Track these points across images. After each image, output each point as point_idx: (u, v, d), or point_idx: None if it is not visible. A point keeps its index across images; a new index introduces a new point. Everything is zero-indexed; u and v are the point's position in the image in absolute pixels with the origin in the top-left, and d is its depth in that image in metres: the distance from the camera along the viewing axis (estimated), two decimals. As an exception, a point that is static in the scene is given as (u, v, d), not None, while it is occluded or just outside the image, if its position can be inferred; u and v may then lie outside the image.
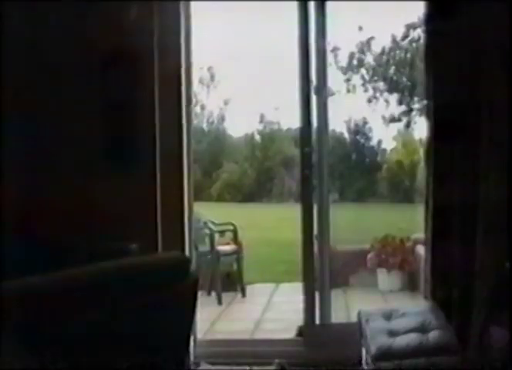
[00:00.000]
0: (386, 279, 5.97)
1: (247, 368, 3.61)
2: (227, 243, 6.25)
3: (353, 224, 8.32)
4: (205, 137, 11.58)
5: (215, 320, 4.93)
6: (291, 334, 4.04)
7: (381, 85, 9.86)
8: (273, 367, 3.60)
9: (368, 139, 10.73)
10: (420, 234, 4.06)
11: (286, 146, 11.34)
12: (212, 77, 10.70)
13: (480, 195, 3.34)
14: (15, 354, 1.55)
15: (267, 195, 11.83)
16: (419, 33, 8.62)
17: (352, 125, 10.62)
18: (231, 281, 6.12)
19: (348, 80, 9.74)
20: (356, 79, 9.73)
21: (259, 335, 4.59)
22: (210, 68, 10.56)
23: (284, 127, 11.45)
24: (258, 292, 6.24)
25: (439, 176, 3.44)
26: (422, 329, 3.02)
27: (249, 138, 11.96)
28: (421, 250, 4.55)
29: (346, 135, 10.70)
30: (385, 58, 9.84)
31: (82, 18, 3.56)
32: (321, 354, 3.70)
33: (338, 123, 9.81)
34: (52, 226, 3.50)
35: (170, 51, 3.65)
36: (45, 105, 3.61)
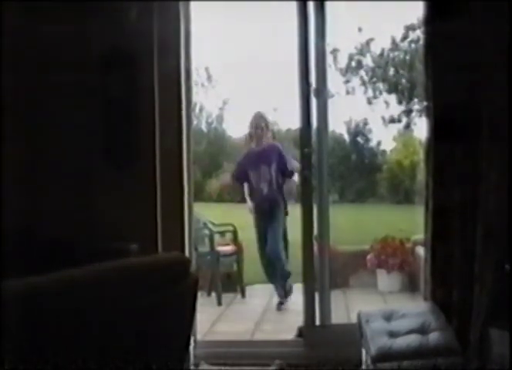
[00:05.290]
0: (386, 280, 5.96)
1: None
2: (227, 244, 6.24)
3: (353, 225, 8.33)
4: (204, 138, 11.58)
5: (215, 321, 4.92)
6: (290, 335, 4.03)
7: (380, 86, 9.88)
8: (273, 368, 3.60)
9: (367, 139, 10.75)
10: (420, 235, 4.06)
11: (286, 146, 11.32)
12: (210, 77, 10.71)
13: (480, 195, 3.34)
14: (15, 355, 1.54)
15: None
16: (418, 34, 8.64)
17: (352, 126, 10.64)
18: (231, 282, 6.11)
19: (347, 81, 9.76)
20: (356, 80, 9.75)
21: (259, 336, 4.58)
22: (208, 69, 10.57)
23: (284, 128, 11.45)
24: (258, 293, 6.23)
25: (439, 176, 3.43)
26: (422, 330, 3.01)
27: (249, 139, 11.93)
28: (421, 251, 4.55)
29: (346, 136, 10.72)
30: (384, 59, 9.86)
31: (82, 18, 3.56)
32: (321, 355, 3.70)
33: (338, 124, 9.83)
34: (52, 226, 3.50)
35: (169, 51, 3.65)
36: (45, 105, 3.61)
